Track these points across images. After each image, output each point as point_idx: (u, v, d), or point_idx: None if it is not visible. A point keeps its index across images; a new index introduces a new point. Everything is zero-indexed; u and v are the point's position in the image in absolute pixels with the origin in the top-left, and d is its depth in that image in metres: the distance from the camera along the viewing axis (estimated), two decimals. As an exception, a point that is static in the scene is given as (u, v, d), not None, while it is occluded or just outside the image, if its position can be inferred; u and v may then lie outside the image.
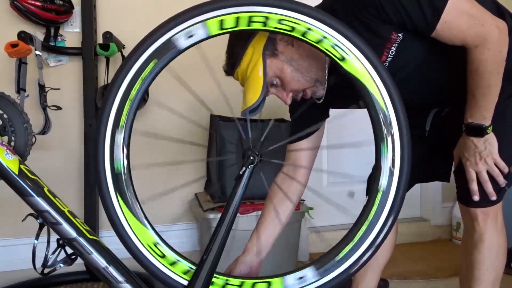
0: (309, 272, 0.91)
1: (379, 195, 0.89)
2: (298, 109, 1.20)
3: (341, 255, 0.90)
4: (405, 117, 0.90)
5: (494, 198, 1.11)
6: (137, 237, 0.89)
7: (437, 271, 2.04)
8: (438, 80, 1.14)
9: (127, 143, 0.88)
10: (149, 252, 0.90)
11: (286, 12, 0.86)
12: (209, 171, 2.17)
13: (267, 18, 0.86)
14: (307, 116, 1.20)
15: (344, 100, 1.21)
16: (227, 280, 0.93)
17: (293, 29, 0.87)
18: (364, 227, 0.90)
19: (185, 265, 0.92)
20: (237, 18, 0.86)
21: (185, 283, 0.91)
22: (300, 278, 0.91)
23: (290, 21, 0.87)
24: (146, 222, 0.90)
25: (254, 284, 0.92)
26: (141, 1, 2.15)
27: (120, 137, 0.87)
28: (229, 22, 0.86)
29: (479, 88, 1.03)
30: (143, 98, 1.43)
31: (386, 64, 1.05)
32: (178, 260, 0.91)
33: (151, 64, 0.87)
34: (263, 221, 1.25)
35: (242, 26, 0.87)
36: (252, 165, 0.92)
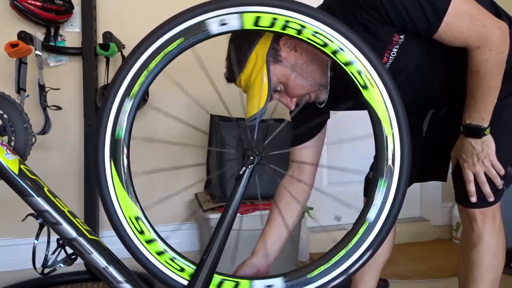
0: (278, 282, 0.90)
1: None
2: (298, 112, 1.19)
3: (313, 273, 0.90)
4: (405, 117, 0.90)
5: (491, 199, 1.11)
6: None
7: (437, 271, 2.04)
8: (437, 81, 1.14)
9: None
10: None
11: (325, 28, 0.86)
12: (209, 171, 2.17)
13: (303, 27, 0.86)
14: (309, 118, 1.19)
15: (345, 103, 1.22)
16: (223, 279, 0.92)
17: (325, 45, 0.87)
18: (348, 247, 0.89)
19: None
20: (274, 19, 0.85)
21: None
22: (268, 286, 0.90)
23: (323, 36, 0.86)
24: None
25: (222, 281, 0.92)
26: (141, 1, 2.15)
27: (127, 105, 0.87)
28: (265, 21, 0.85)
29: (479, 89, 1.03)
30: (143, 98, 1.43)
31: (387, 66, 1.05)
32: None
33: (177, 42, 0.86)
34: (269, 226, 1.24)
35: (277, 28, 0.86)
36: (252, 165, 0.92)
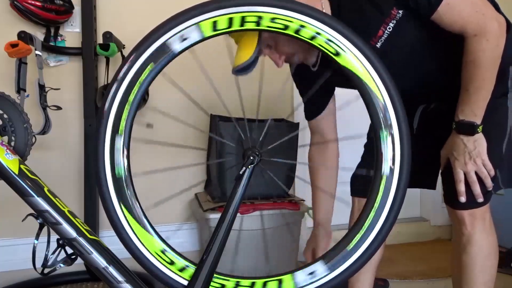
0: (319, 267, 0.91)
1: (383, 182, 0.89)
2: (306, 87, 1.27)
3: (352, 244, 0.90)
4: (404, 115, 0.90)
5: (481, 200, 1.10)
6: (137, 237, 0.89)
7: (437, 271, 2.04)
8: (430, 72, 1.14)
9: (127, 145, 0.88)
10: (151, 253, 0.90)
11: (279, 11, 0.87)
12: (209, 171, 2.17)
13: (260, 17, 0.87)
14: (316, 95, 1.26)
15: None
16: (237, 281, 0.92)
17: (286, 27, 0.87)
18: (370, 218, 0.90)
19: (184, 265, 0.92)
20: (230, 19, 0.86)
21: (185, 283, 0.91)
22: (311, 273, 0.91)
23: (283, 19, 0.87)
24: (146, 222, 0.90)
25: (265, 283, 0.92)
26: (141, 1, 2.15)
27: (120, 141, 0.88)
28: (222, 23, 0.87)
29: (474, 82, 1.03)
30: (143, 98, 1.44)
31: (381, 40, 1.06)
32: (178, 260, 0.91)
33: (148, 68, 0.88)
34: (316, 203, 1.37)
35: (236, 27, 0.87)
36: (252, 165, 0.92)
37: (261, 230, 1.84)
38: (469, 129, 1.08)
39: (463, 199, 1.10)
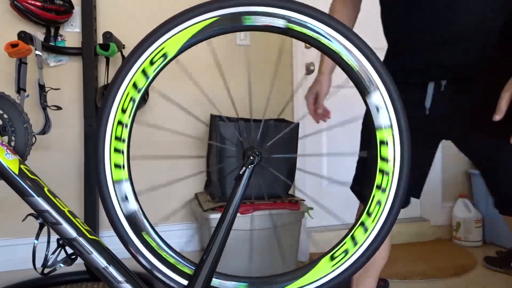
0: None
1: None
2: None
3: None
4: (404, 113, 0.89)
5: None
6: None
7: (437, 271, 2.04)
8: (496, 23, 1.00)
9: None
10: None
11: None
12: (209, 172, 2.17)
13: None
14: None
15: None
16: None
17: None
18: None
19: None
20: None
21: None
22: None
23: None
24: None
25: None
26: (141, 1, 2.16)
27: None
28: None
29: None
30: (143, 98, 1.43)
31: None
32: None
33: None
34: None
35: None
36: (252, 165, 0.92)
37: (261, 230, 1.84)
38: None
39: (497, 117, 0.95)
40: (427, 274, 2.02)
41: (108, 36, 1.89)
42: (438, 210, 2.63)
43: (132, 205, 0.89)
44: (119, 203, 0.89)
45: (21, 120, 0.99)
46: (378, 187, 0.88)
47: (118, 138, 0.88)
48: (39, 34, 1.98)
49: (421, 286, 1.93)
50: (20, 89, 1.64)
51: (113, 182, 0.88)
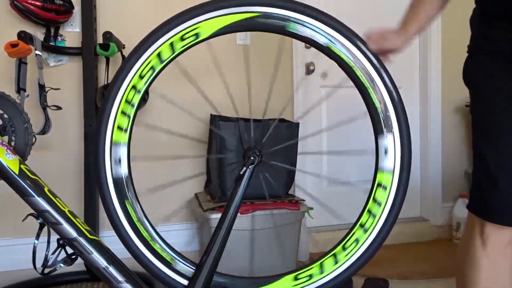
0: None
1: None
2: None
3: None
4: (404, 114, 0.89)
5: None
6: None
7: (437, 271, 2.04)
8: None
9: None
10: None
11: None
12: (209, 171, 2.17)
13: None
14: None
15: None
16: None
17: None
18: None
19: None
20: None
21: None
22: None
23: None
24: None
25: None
26: (141, 1, 2.15)
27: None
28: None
29: None
30: (143, 98, 1.43)
31: None
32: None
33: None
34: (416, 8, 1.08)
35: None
36: (252, 165, 0.92)
37: (261, 230, 1.84)
38: None
39: None
40: (427, 274, 2.02)
41: (108, 36, 1.89)
42: (438, 210, 2.63)
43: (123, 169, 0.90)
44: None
45: (21, 120, 0.99)
46: (361, 225, 0.93)
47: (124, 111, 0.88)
48: (39, 34, 1.97)
49: (421, 286, 1.93)
50: (20, 89, 1.64)
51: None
